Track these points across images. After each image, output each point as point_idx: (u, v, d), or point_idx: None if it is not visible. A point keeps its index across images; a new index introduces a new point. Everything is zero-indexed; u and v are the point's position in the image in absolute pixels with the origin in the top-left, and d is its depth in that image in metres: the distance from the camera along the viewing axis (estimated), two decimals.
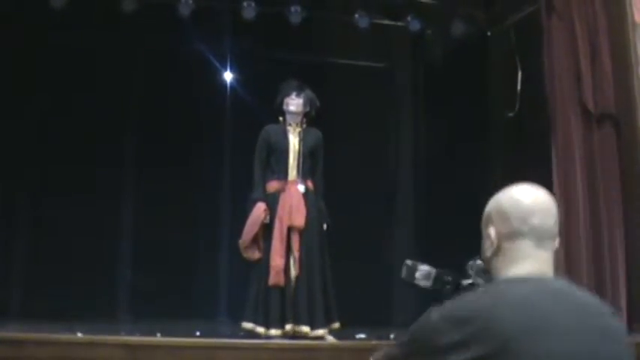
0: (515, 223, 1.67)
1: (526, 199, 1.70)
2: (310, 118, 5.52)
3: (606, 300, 5.01)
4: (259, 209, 5.22)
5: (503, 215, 1.70)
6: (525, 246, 1.66)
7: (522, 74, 7.16)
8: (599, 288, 5.09)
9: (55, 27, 7.23)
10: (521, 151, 7.52)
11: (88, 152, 7.25)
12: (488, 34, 7.93)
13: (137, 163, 7.88)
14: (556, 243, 1.71)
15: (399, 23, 7.99)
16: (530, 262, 1.65)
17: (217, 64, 8.02)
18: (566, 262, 5.16)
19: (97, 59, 7.42)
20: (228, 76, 8.16)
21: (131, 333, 5.28)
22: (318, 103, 5.53)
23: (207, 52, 7.79)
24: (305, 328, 5.04)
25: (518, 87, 7.19)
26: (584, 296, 1.64)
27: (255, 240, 5.22)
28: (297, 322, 5.05)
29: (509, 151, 7.70)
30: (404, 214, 8.28)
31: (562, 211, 5.26)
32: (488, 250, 1.71)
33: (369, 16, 7.62)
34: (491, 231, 1.71)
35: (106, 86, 7.44)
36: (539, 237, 1.66)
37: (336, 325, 5.16)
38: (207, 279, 7.59)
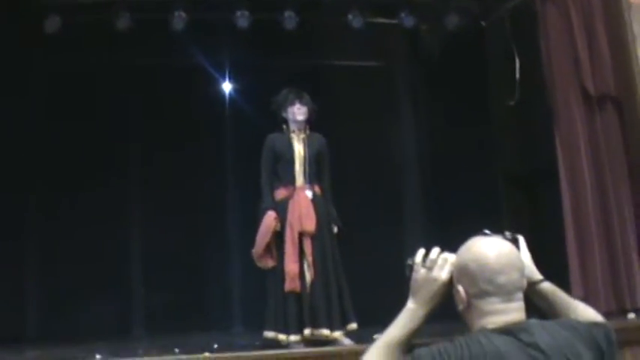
0: (482, 284, 1.74)
1: (490, 259, 1.75)
2: (312, 123, 5.55)
3: (621, 280, 5.02)
4: (270, 218, 5.23)
5: (470, 276, 1.76)
6: (494, 302, 1.74)
7: (520, 62, 7.15)
8: (612, 269, 5.09)
9: (51, 49, 7.27)
10: (525, 139, 7.52)
11: (93, 172, 7.27)
12: (483, 24, 7.93)
13: (142, 178, 7.91)
14: (525, 286, 1.80)
15: (393, 21, 7.99)
16: (500, 316, 1.73)
17: (216, 75, 8.04)
18: (578, 246, 5.16)
19: (96, 77, 7.44)
20: (227, 86, 8.18)
21: (148, 350, 5.26)
22: (316, 108, 5.56)
23: (205, 63, 7.81)
24: (325, 332, 5.06)
25: (517, 75, 7.18)
26: (552, 339, 1.69)
27: (268, 248, 5.23)
28: (316, 326, 5.06)
29: (512, 140, 7.70)
30: (411, 211, 8.28)
31: (570, 195, 5.26)
32: (459, 305, 1.80)
33: (362, 16, 7.62)
34: (460, 289, 1.78)
35: (105, 107, 7.47)
36: (506, 293, 1.74)
37: (353, 325, 5.16)
38: (220, 290, 7.61)
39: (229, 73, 8.14)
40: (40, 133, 7.50)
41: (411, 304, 1.86)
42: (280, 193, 5.33)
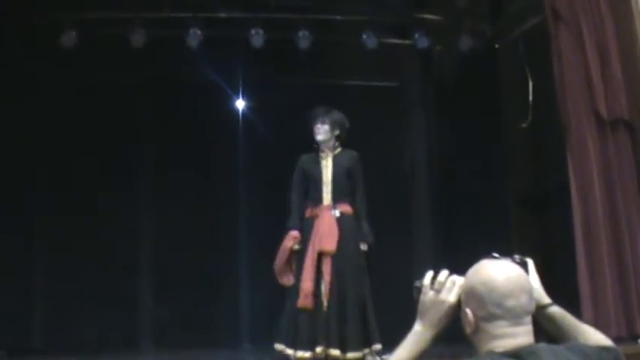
0: (491, 307, 1.73)
1: (499, 283, 1.74)
2: (342, 140, 5.55)
3: (632, 305, 4.99)
4: (289, 237, 5.31)
5: (478, 299, 1.75)
6: (502, 326, 1.73)
7: (533, 85, 7.16)
8: (623, 293, 5.05)
9: (66, 64, 7.33)
10: (537, 161, 7.50)
11: (106, 184, 7.31)
12: (497, 46, 7.94)
13: (153, 193, 7.94)
14: (533, 309, 1.79)
15: (407, 41, 8.02)
16: (508, 339, 1.72)
17: (229, 92, 8.08)
18: (589, 269, 5.13)
19: (110, 93, 7.49)
20: (240, 103, 8.22)
21: None
22: (347, 124, 5.56)
23: (219, 81, 7.85)
24: (335, 352, 5.04)
25: (530, 98, 7.19)
26: None
27: (289, 266, 5.31)
28: (329, 345, 5.05)
29: (524, 161, 7.69)
30: (420, 232, 8.26)
31: (581, 217, 5.24)
32: (467, 327, 1.78)
33: (376, 37, 7.65)
34: (468, 312, 1.77)
35: (117, 123, 7.52)
36: (515, 316, 1.73)
37: (377, 346, 5.13)
38: (229, 307, 7.60)
39: (243, 90, 8.18)
40: (50, 146, 7.54)
41: (418, 327, 1.86)
42: (308, 212, 5.38)
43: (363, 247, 5.36)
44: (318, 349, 5.04)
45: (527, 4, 7.07)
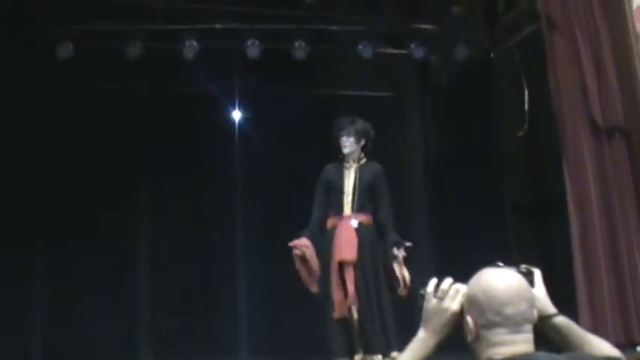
0: (490, 315, 1.75)
1: (498, 291, 1.75)
2: (367, 150, 5.56)
3: (630, 312, 4.99)
4: (298, 243, 5.30)
5: (478, 307, 1.77)
6: (501, 333, 1.74)
7: (529, 93, 7.17)
8: (620, 301, 5.05)
9: (63, 76, 7.33)
10: (533, 170, 7.51)
11: (101, 198, 7.31)
12: (492, 55, 7.96)
13: (150, 204, 7.93)
14: (534, 318, 1.80)
15: (403, 51, 8.04)
16: (507, 347, 1.73)
17: (226, 103, 8.10)
18: (586, 277, 5.13)
19: (106, 105, 7.49)
20: (236, 114, 8.23)
21: None
22: (372, 134, 5.58)
23: (215, 92, 7.86)
24: (377, 357, 5.10)
25: (526, 106, 7.20)
26: None
27: (308, 273, 5.32)
28: (368, 351, 5.13)
29: (521, 170, 7.69)
30: (419, 241, 8.24)
31: (578, 225, 5.25)
32: (468, 335, 1.80)
33: (372, 46, 7.67)
34: (469, 320, 1.79)
35: (113, 135, 7.51)
36: (514, 324, 1.74)
37: (394, 354, 5.14)
38: (227, 317, 7.59)
39: (239, 101, 8.19)
40: (46, 161, 7.53)
41: (421, 334, 1.87)
42: (330, 222, 5.42)
43: (400, 252, 5.30)
44: (357, 357, 5.12)
45: (522, 13, 7.10)
